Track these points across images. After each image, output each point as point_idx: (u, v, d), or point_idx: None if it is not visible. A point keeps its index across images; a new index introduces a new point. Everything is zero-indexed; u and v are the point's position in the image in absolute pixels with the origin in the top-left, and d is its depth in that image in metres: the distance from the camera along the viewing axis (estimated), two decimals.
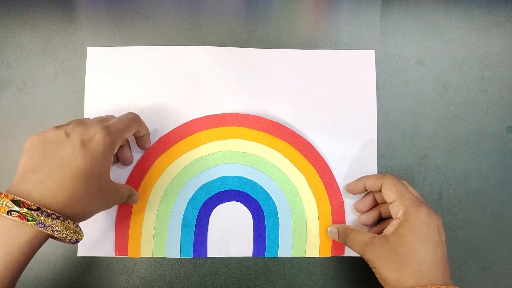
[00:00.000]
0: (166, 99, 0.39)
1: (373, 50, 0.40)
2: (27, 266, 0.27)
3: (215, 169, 0.38)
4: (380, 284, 0.31)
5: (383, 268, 0.31)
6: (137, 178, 0.38)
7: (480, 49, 0.41)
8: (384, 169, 0.39)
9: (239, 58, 0.40)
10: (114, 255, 0.37)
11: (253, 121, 0.39)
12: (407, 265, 0.30)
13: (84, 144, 0.29)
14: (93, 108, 0.39)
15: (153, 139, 0.38)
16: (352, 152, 0.39)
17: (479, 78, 0.40)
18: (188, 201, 0.38)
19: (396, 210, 0.32)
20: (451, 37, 0.41)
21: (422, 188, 0.39)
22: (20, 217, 0.26)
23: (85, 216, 0.30)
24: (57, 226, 0.27)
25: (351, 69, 0.40)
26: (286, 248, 0.37)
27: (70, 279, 0.37)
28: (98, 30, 0.40)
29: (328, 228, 0.37)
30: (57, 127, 0.30)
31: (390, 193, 0.33)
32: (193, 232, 0.38)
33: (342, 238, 0.35)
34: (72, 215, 0.28)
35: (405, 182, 0.35)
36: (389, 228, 0.32)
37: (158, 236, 0.37)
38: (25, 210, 0.26)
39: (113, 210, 0.37)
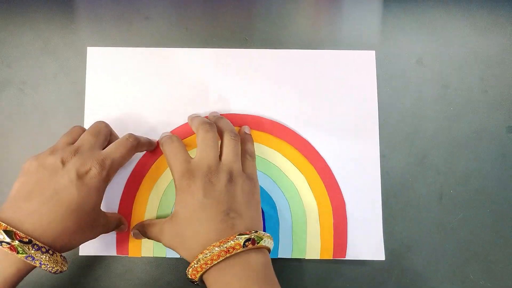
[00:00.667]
0: (166, 99, 0.39)
1: (374, 51, 0.40)
2: None
3: None
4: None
5: (177, 250, 0.31)
6: (137, 178, 0.38)
7: (480, 49, 0.41)
8: (384, 169, 0.39)
9: (239, 58, 0.40)
10: (115, 254, 0.37)
11: (253, 121, 0.39)
12: (184, 241, 0.30)
13: (79, 177, 0.29)
14: (93, 108, 0.39)
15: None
16: (353, 152, 0.39)
17: (479, 78, 0.40)
18: None
19: None
20: (451, 37, 0.41)
21: (422, 188, 0.39)
22: (11, 248, 0.25)
23: (72, 247, 0.30)
24: (45, 259, 0.27)
25: (352, 69, 0.40)
26: (286, 249, 0.37)
27: (70, 278, 0.37)
28: (98, 30, 0.40)
29: (131, 232, 0.36)
30: (53, 151, 0.30)
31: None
32: None
33: (145, 235, 0.34)
34: (61, 248, 0.28)
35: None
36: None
37: None
38: (16, 242, 0.25)
39: (115, 209, 0.37)
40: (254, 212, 0.31)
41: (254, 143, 0.38)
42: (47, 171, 0.29)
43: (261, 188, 0.38)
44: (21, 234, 0.26)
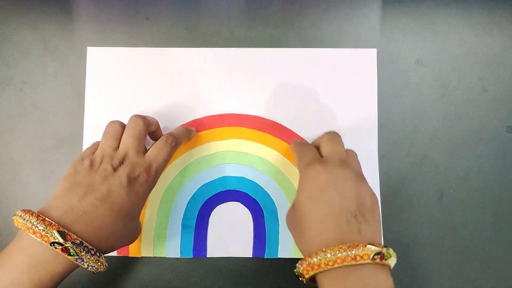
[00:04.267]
0: (166, 99, 0.39)
1: (375, 49, 0.40)
2: None
3: (215, 169, 0.38)
4: None
5: (294, 238, 0.30)
6: None
7: (480, 49, 0.41)
8: (384, 169, 0.39)
9: (239, 58, 0.40)
10: (115, 254, 0.37)
11: (253, 121, 0.39)
12: (302, 232, 0.28)
13: (130, 182, 0.29)
14: (93, 108, 0.39)
15: None
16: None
17: (479, 78, 0.40)
18: (188, 201, 0.38)
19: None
20: (451, 37, 0.41)
21: (422, 188, 0.39)
22: (63, 250, 0.26)
23: (113, 250, 0.30)
24: (92, 261, 0.27)
25: (353, 68, 0.40)
26: (286, 248, 0.37)
27: (70, 278, 0.37)
28: (98, 30, 0.40)
29: None
30: (102, 156, 0.30)
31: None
32: (193, 232, 0.38)
33: None
34: (105, 250, 0.29)
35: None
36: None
37: (158, 236, 0.37)
38: (69, 244, 0.26)
39: None
40: (379, 224, 0.29)
41: (254, 143, 0.38)
42: (98, 176, 0.29)
43: (261, 188, 0.38)
44: (73, 236, 0.26)
